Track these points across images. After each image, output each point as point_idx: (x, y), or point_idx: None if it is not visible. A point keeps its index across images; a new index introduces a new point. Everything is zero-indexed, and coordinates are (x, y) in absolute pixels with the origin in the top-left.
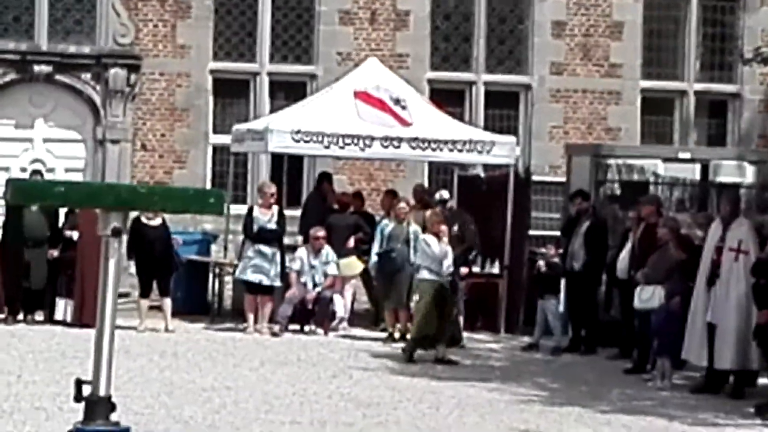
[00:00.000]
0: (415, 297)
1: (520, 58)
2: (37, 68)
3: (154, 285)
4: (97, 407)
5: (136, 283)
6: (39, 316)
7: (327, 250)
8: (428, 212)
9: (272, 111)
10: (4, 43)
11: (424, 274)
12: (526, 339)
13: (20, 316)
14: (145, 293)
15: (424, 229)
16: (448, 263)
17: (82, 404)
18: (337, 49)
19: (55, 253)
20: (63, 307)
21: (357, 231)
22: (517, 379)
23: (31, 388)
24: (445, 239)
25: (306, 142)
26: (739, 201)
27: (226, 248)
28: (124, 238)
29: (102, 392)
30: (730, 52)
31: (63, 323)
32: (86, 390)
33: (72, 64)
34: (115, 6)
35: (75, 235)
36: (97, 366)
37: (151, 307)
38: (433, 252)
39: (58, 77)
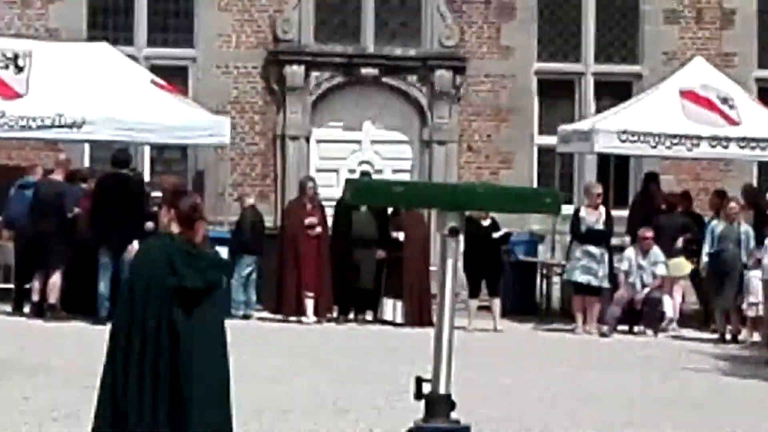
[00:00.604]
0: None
1: None
2: (364, 71)
3: (483, 285)
4: (438, 405)
5: (464, 283)
6: (369, 315)
7: (655, 251)
8: None
9: (598, 111)
10: (331, 46)
11: None
12: None
13: (351, 316)
14: (474, 293)
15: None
16: None
17: (421, 402)
18: (663, 48)
19: (383, 253)
20: (391, 307)
21: (685, 231)
22: None
23: (364, 387)
24: None
25: (632, 142)
26: None
27: (553, 248)
28: (461, 237)
29: (442, 390)
30: None
31: (391, 323)
32: (426, 388)
33: (398, 66)
34: (440, 8)
35: (401, 236)
36: (437, 364)
37: (480, 307)
38: None
39: (384, 80)
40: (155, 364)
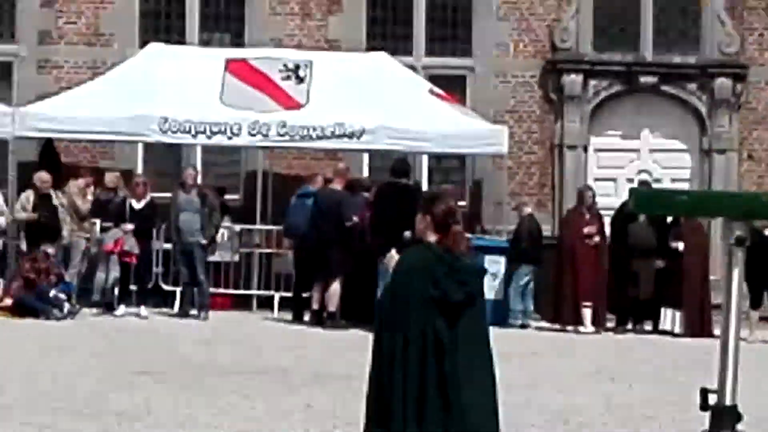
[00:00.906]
0: None
1: None
2: (642, 79)
3: (765, 296)
4: (724, 417)
5: (746, 293)
6: (647, 325)
7: None
8: None
9: None
10: (610, 55)
11: None
12: None
13: (629, 326)
14: (755, 304)
15: None
16: None
17: (704, 414)
18: None
19: (662, 263)
20: (670, 317)
21: None
22: None
23: (643, 397)
24: None
25: None
26: None
27: None
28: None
29: (728, 401)
30: None
31: (670, 333)
32: (711, 399)
33: (677, 74)
34: (720, 16)
35: (680, 245)
36: (723, 375)
37: (761, 318)
38: None
39: (663, 88)
40: (420, 372)
